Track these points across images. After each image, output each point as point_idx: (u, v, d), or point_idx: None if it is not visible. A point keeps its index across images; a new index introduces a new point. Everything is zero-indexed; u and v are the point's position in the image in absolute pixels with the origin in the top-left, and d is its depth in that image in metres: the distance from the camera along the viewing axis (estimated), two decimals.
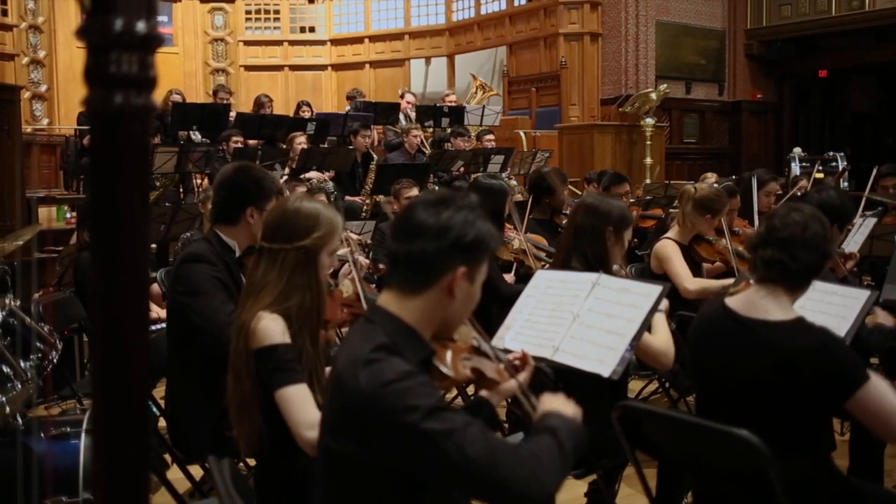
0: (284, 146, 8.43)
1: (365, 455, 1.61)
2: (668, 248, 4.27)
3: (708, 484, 2.45)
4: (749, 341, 2.35)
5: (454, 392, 4.16)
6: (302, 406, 2.17)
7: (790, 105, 14.74)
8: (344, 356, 1.71)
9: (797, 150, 12.30)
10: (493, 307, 3.98)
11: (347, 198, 7.97)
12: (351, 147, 8.59)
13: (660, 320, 2.94)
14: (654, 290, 2.66)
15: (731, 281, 3.97)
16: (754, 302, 2.39)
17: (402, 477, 1.63)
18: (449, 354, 1.80)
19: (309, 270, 2.29)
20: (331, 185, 7.78)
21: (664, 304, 2.98)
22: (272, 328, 2.22)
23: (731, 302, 2.46)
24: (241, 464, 3.20)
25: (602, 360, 2.55)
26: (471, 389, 3.96)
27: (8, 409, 2.70)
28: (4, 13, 12.23)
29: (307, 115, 10.18)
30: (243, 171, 3.13)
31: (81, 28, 0.92)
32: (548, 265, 4.31)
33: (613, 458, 2.92)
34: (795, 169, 11.42)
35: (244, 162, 3.62)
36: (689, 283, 4.14)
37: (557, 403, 1.79)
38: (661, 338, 2.90)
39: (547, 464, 1.61)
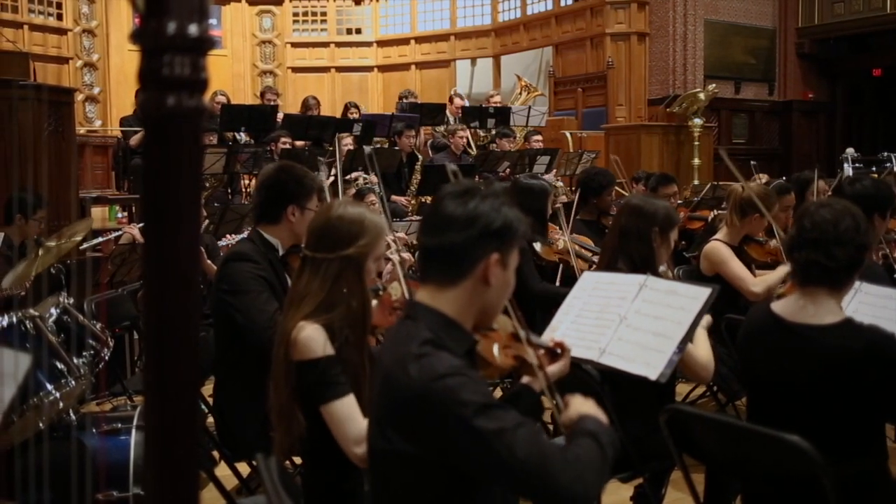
0: (331, 147, 8.49)
1: (415, 450, 1.62)
2: (722, 251, 4.18)
3: (757, 489, 2.41)
4: (798, 347, 2.31)
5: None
6: (349, 421, 2.16)
7: (843, 104, 14.44)
8: (390, 354, 1.72)
9: (850, 151, 12.04)
10: (538, 312, 3.98)
11: (393, 198, 8.01)
12: (397, 148, 8.63)
13: (701, 335, 2.89)
14: (703, 292, 2.63)
15: (788, 268, 3.90)
16: (799, 307, 2.34)
17: (452, 473, 1.63)
18: (491, 343, 1.81)
19: (353, 279, 2.25)
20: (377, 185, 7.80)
21: (706, 319, 2.91)
22: (314, 339, 2.19)
23: (777, 307, 2.42)
24: (288, 462, 3.22)
25: (649, 363, 2.52)
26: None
27: (62, 404, 2.75)
28: (60, 17, 12.51)
29: (355, 115, 10.23)
30: (284, 170, 3.17)
31: (135, 32, 0.93)
32: (594, 265, 4.28)
33: (660, 462, 2.89)
34: (848, 170, 11.18)
35: (285, 161, 3.66)
36: (754, 285, 4.04)
37: (590, 407, 1.79)
38: (704, 350, 2.84)
39: (591, 468, 1.61)
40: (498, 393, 4.43)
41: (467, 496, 1.67)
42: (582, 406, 1.79)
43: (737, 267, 4.13)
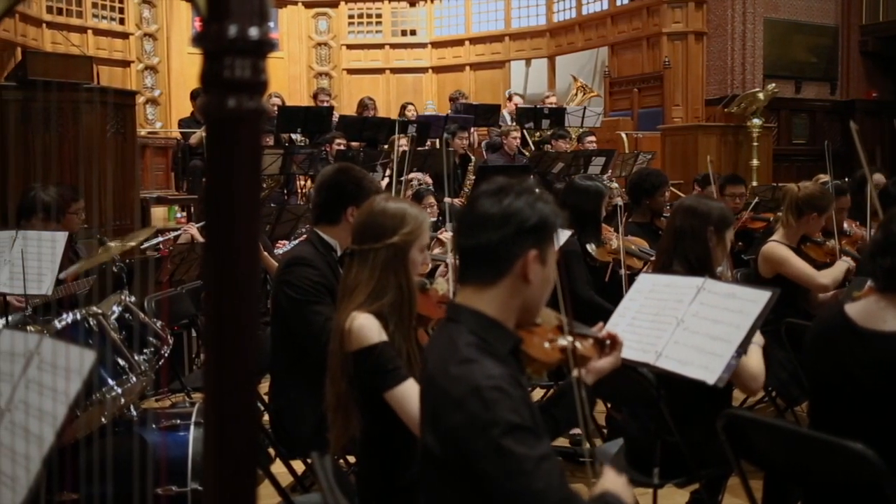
0: (386, 148, 8.54)
1: (447, 456, 1.61)
2: (782, 250, 4.11)
3: (818, 496, 2.36)
4: (865, 352, 2.25)
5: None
6: (413, 403, 2.15)
7: None
8: (434, 357, 1.72)
9: None
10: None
11: (446, 200, 8.01)
12: (451, 149, 8.64)
13: (753, 347, 2.82)
14: (763, 295, 2.57)
15: (849, 263, 3.90)
16: (874, 312, 2.27)
17: (474, 483, 1.61)
18: (535, 339, 1.80)
19: (399, 268, 2.29)
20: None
21: (760, 338, 2.82)
22: (368, 327, 2.22)
23: (850, 310, 2.35)
24: (342, 460, 3.25)
25: (707, 366, 2.48)
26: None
27: (123, 400, 2.82)
28: (122, 22, 12.84)
29: (412, 114, 10.27)
30: (343, 171, 3.20)
31: (197, 36, 0.95)
32: (648, 264, 4.23)
33: (717, 468, 2.84)
34: None
35: (344, 163, 3.70)
36: (822, 277, 4.00)
37: (619, 485, 1.72)
38: (755, 361, 2.76)
39: None
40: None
41: None
42: (612, 482, 1.72)
43: (799, 264, 4.06)
